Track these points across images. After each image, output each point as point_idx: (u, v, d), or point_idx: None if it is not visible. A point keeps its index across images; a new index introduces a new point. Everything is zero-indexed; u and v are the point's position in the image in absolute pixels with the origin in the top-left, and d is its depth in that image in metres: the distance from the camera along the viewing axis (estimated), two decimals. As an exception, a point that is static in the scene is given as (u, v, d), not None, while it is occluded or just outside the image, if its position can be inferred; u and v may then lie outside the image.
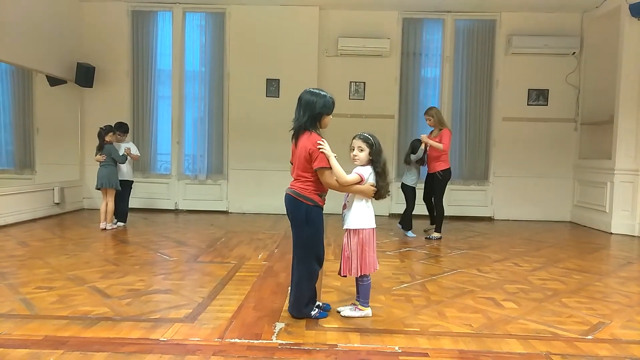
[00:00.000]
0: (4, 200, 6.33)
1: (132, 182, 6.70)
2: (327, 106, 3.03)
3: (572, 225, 7.67)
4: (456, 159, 8.07)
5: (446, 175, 5.98)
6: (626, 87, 6.71)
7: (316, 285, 3.19)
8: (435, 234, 6.07)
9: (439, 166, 5.94)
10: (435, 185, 6.02)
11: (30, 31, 6.66)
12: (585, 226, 7.47)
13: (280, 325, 2.97)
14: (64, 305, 3.27)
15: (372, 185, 3.05)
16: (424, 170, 6.27)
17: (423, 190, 6.17)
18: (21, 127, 7.33)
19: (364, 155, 3.07)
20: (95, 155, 6.23)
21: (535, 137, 7.98)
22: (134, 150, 6.64)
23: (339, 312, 3.20)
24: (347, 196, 3.15)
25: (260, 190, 7.86)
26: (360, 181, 3.03)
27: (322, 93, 3.04)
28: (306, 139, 2.97)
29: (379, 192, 3.05)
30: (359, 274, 3.08)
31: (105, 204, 6.20)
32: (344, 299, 3.53)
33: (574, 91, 7.91)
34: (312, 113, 2.99)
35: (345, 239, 3.12)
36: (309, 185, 3.01)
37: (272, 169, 7.62)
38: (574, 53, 7.78)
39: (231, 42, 7.92)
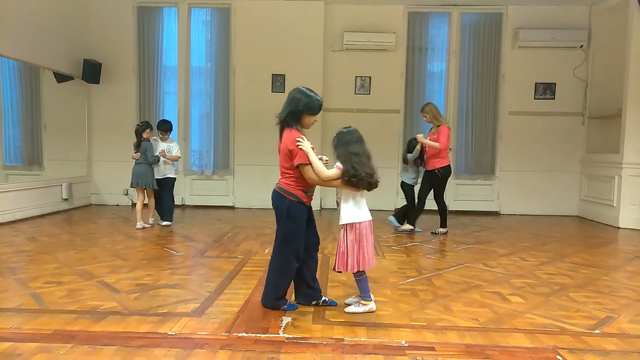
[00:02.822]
0: (13, 196, 6.39)
1: (174, 179, 6.40)
2: (310, 107, 3.02)
3: (580, 220, 7.63)
4: (462, 154, 8.06)
5: (445, 172, 5.89)
6: (634, 80, 6.65)
7: (318, 279, 3.28)
8: (441, 229, 6.05)
9: (438, 163, 5.84)
10: (435, 183, 5.92)
11: (37, 28, 6.69)
12: (592, 220, 7.43)
13: (287, 320, 2.99)
14: (73, 299, 3.30)
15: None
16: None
17: (420, 186, 6.08)
18: (29, 124, 7.39)
19: (335, 153, 3.09)
20: (134, 153, 6.01)
21: (542, 131, 7.93)
22: (175, 151, 6.27)
23: (347, 304, 3.22)
24: (338, 192, 3.15)
25: (266, 185, 7.77)
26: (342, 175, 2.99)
27: (310, 93, 3.04)
28: (287, 136, 3.02)
29: (352, 183, 2.95)
30: (356, 270, 3.07)
31: (141, 203, 6.02)
32: (350, 293, 3.53)
33: (581, 85, 7.85)
34: (293, 110, 3.02)
35: (341, 235, 3.11)
36: (292, 181, 3.06)
37: (278, 164, 7.59)
38: (582, 46, 7.71)
39: (236, 37, 7.92)
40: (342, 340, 2.70)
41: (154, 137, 6.19)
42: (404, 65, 7.98)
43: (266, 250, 4.87)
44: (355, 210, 3.06)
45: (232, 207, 8.08)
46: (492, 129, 8.03)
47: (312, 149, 3.02)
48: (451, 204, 8.07)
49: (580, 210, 7.91)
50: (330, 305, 3.23)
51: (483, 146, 8.05)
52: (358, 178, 2.94)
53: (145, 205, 6.15)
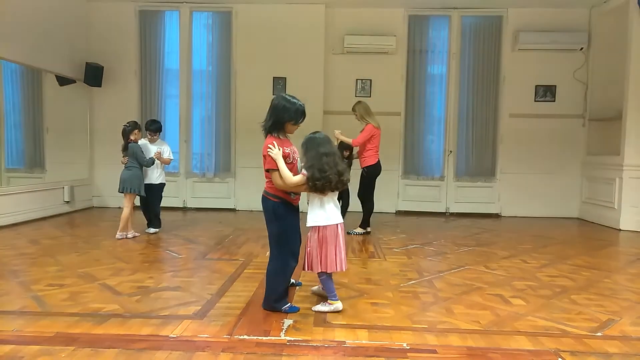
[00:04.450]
0: (15, 198, 6.40)
1: (164, 184, 5.98)
2: (293, 116, 3.12)
3: (580, 222, 7.62)
4: (463, 156, 8.06)
5: (371, 171, 5.96)
6: (635, 82, 6.66)
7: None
8: (359, 229, 6.07)
9: (364, 162, 5.96)
10: (360, 182, 6.01)
11: (39, 31, 6.71)
12: (593, 223, 7.42)
13: (288, 322, 2.99)
14: (75, 302, 3.31)
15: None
16: None
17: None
18: (31, 127, 7.40)
19: (304, 158, 3.18)
20: (122, 157, 5.61)
21: (543, 133, 7.93)
22: (167, 154, 5.85)
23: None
24: (307, 195, 3.22)
25: None
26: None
27: (293, 101, 3.14)
28: (264, 143, 3.11)
29: (316, 187, 3.04)
30: (320, 270, 3.13)
31: (131, 210, 5.56)
32: (351, 295, 3.55)
33: (581, 87, 7.85)
34: (277, 118, 3.12)
35: (308, 235, 3.19)
36: (272, 184, 3.14)
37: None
38: (582, 49, 7.71)
39: (238, 40, 7.94)
40: (344, 342, 2.70)
41: (143, 141, 5.79)
42: (405, 68, 7.99)
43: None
44: (320, 213, 3.13)
45: (233, 210, 8.08)
46: (493, 131, 8.03)
47: (287, 155, 3.09)
48: (452, 206, 8.09)
49: (581, 213, 7.90)
50: (297, 286, 3.62)
51: (483, 148, 8.05)
52: (324, 180, 3.01)
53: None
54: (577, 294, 3.72)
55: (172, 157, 5.98)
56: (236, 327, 2.90)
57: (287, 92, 7.69)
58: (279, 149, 3.05)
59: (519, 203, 8.02)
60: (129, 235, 5.55)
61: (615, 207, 6.90)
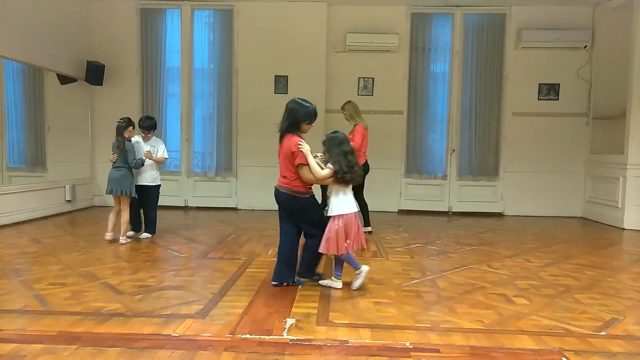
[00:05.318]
0: (16, 197, 6.40)
1: (159, 186, 5.58)
2: (307, 116, 3.51)
3: (584, 221, 7.60)
4: (465, 155, 8.04)
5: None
6: (639, 80, 6.62)
7: (324, 272, 3.54)
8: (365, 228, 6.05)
9: None
10: None
11: (40, 30, 6.71)
12: (596, 222, 7.40)
13: (290, 321, 2.98)
14: (77, 301, 3.30)
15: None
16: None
17: None
18: (32, 126, 7.40)
19: (327, 154, 3.54)
20: (112, 154, 5.22)
21: (546, 132, 7.90)
22: (161, 152, 5.48)
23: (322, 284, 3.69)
24: (328, 188, 3.61)
25: (269, 186, 7.66)
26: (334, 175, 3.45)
27: (306, 104, 3.52)
28: (288, 141, 3.45)
29: (343, 178, 3.41)
30: (347, 251, 3.48)
31: (116, 212, 5.23)
32: (354, 294, 3.54)
33: (585, 85, 7.82)
34: (293, 120, 3.50)
35: (330, 223, 3.52)
36: (301, 182, 3.48)
37: (281, 165, 7.59)
38: (586, 47, 7.68)
39: (239, 39, 7.92)
40: (347, 342, 2.69)
41: (136, 138, 5.42)
42: (407, 66, 7.96)
43: (269, 252, 4.87)
44: (344, 202, 3.50)
45: (235, 209, 8.07)
46: (496, 130, 8.00)
47: (310, 151, 3.42)
48: (455, 205, 8.07)
49: (584, 212, 7.87)
50: (299, 285, 3.74)
51: (486, 147, 8.02)
52: (352, 174, 3.41)
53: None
54: (580, 293, 3.70)
55: (167, 156, 5.59)
56: (238, 326, 2.89)
57: (289, 91, 7.79)
58: (308, 146, 3.38)
59: (522, 202, 7.99)
60: (123, 240, 5.20)
61: (619, 206, 6.87)
